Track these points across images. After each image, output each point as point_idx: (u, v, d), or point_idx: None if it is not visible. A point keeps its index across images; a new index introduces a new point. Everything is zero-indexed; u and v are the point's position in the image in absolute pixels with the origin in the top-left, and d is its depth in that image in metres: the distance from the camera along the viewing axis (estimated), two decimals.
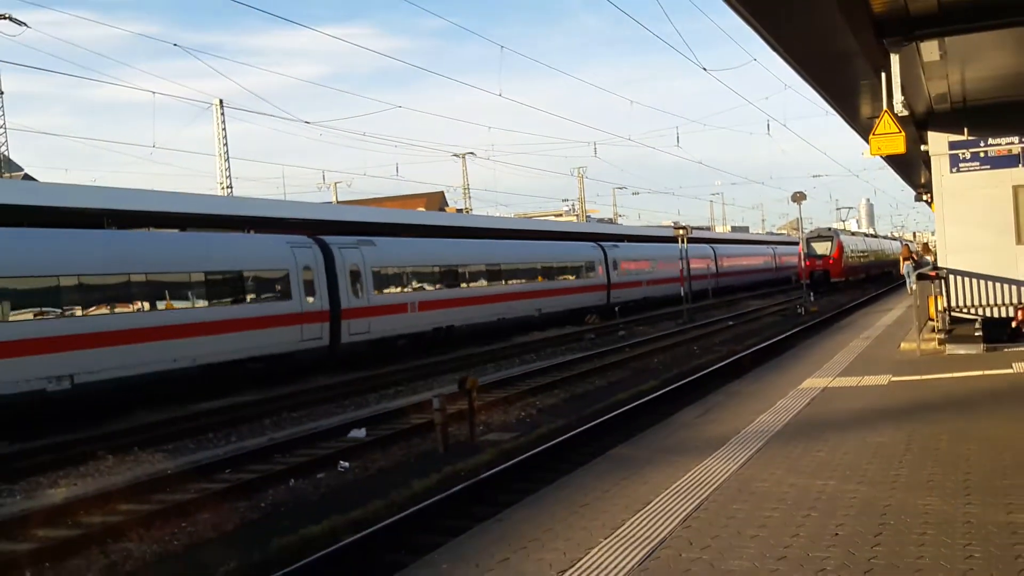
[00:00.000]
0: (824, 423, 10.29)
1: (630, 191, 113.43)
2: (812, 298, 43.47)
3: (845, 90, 17.96)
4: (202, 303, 21.76)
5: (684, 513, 6.94)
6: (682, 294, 42.37)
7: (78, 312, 18.84)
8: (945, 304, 17.10)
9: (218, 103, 44.07)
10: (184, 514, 10.86)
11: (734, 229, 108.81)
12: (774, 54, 14.47)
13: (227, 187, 43.67)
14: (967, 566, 5.31)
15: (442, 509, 10.30)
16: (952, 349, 15.86)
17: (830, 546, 5.89)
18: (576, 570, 5.81)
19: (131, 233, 22.75)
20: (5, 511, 11.63)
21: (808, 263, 51.58)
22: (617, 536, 6.49)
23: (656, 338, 31.54)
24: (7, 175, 36.68)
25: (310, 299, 24.79)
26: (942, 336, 16.54)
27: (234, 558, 9.01)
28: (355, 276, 26.55)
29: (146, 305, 20.41)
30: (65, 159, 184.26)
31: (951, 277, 17.39)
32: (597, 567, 5.83)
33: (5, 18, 36.48)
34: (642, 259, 47.21)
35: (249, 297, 23.33)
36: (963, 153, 18.49)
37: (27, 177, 37.79)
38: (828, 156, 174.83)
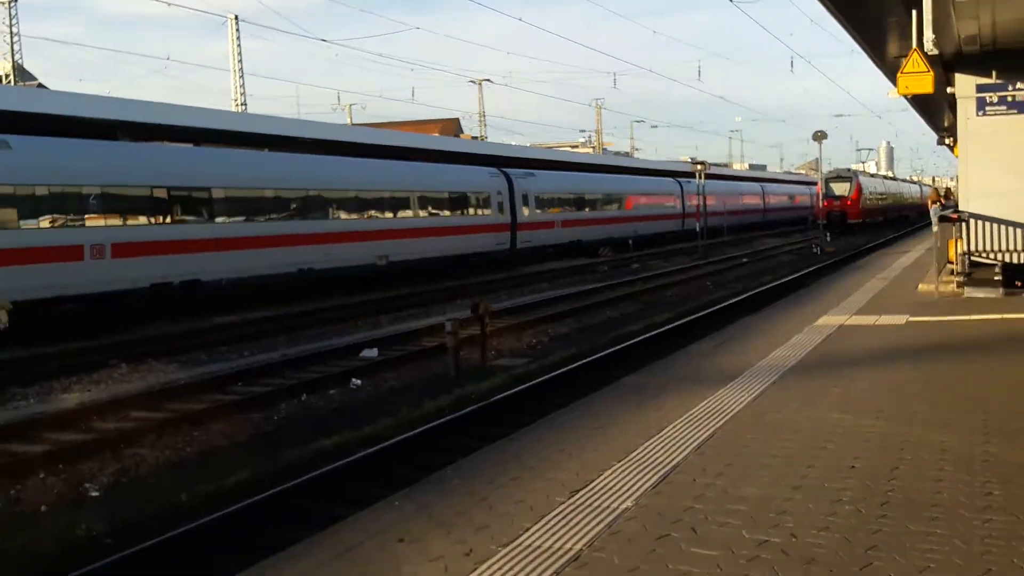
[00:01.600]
0: (840, 359, 10.23)
1: (648, 124, 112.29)
2: (828, 238, 43.19)
3: (873, 26, 17.52)
4: (447, 212, 31.07)
5: (698, 441, 6.91)
6: (697, 229, 42.21)
7: (389, 215, 28.28)
8: (965, 248, 16.90)
9: (233, 19, 43.37)
10: (197, 423, 10.92)
11: (752, 167, 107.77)
12: None
13: (241, 104, 43.19)
14: (986, 502, 5.27)
15: (453, 429, 10.32)
16: (971, 292, 15.73)
17: (846, 478, 5.85)
18: (589, 490, 5.80)
19: (412, 164, 31.51)
20: (18, 414, 11.73)
21: (826, 203, 51.10)
22: (630, 460, 6.47)
23: (670, 272, 31.44)
24: (21, 84, 36.33)
25: (501, 214, 33.65)
26: (960, 279, 16.39)
27: (246, 467, 9.06)
28: (524, 199, 35.09)
29: (422, 212, 29.75)
30: (79, 70, 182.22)
31: (972, 221, 17.16)
32: (610, 488, 5.82)
33: None
34: (709, 193, 51.36)
35: (471, 211, 32.36)
36: (990, 97, 18.13)
37: (40, 86, 37.44)
38: (851, 95, 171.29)
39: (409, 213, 29.08)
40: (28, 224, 17.66)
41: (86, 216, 18.75)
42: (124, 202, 19.68)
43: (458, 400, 11.87)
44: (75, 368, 14.41)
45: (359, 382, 13.44)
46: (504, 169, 35.07)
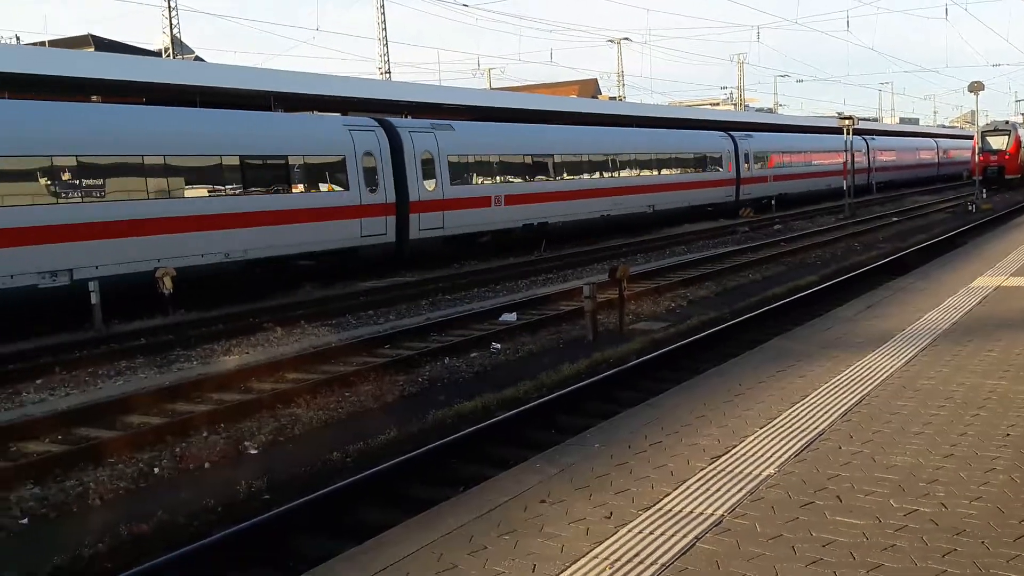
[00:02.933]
0: (997, 323, 9.80)
1: (793, 79, 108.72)
2: (985, 195, 41.06)
3: None
4: (694, 170, 36.58)
5: (844, 407, 6.79)
6: (844, 187, 40.87)
7: (655, 173, 34.08)
8: None
9: None
10: (347, 384, 11.36)
11: (902, 121, 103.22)
12: None
13: (386, 72, 44.07)
14: None
15: (592, 393, 10.41)
16: None
17: (1001, 446, 5.67)
18: (731, 456, 5.80)
19: (669, 131, 38.05)
20: (183, 375, 12.47)
21: (982, 158, 48.58)
22: (773, 426, 6.42)
23: (814, 233, 30.59)
24: (180, 57, 38.04)
25: (729, 171, 39.11)
26: None
27: (394, 427, 9.41)
28: (746, 157, 40.52)
29: (676, 171, 35.40)
30: (232, 42, 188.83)
31: None
32: (752, 455, 5.80)
33: None
34: (886, 149, 60.36)
35: (709, 168, 37.82)
36: None
37: (198, 59, 39.13)
38: (1010, 43, 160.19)
39: (668, 171, 35.18)
40: (468, 183, 25.65)
41: (492, 177, 26.63)
42: (510, 167, 27.60)
43: (596, 364, 11.96)
44: (234, 332, 15.18)
45: (499, 346, 13.68)
46: (729, 132, 40.92)
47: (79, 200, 16.66)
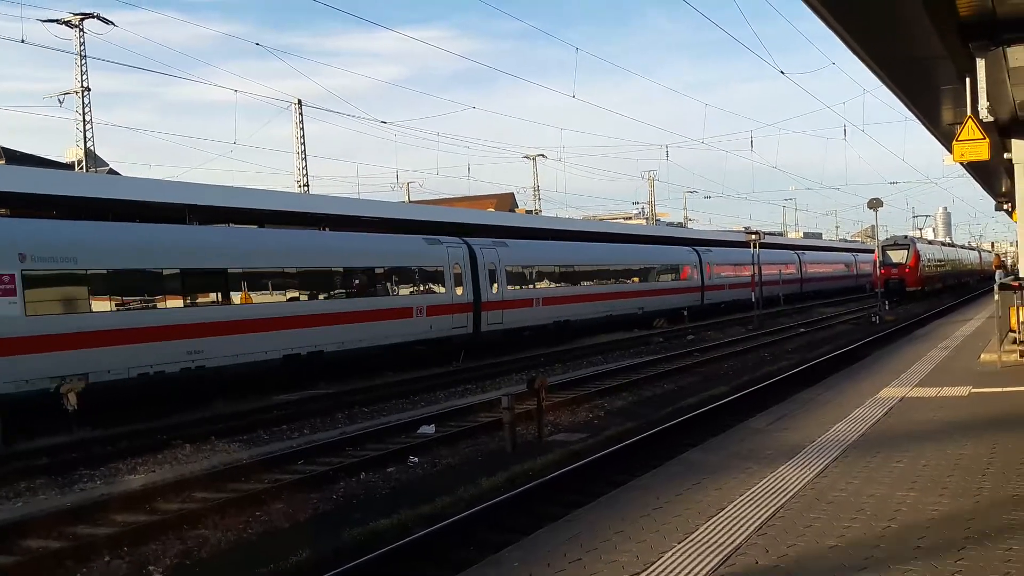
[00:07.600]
0: (903, 434, 10.08)
1: (701, 195, 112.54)
2: (887, 307, 42.57)
3: (927, 95, 17.56)
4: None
5: (759, 520, 6.85)
6: (753, 299, 41.96)
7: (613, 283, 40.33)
8: None
9: (297, 103, 44.73)
10: (258, 503, 11.04)
11: (806, 235, 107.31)
12: (854, 57, 14.21)
13: (304, 185, 44.29)
14: None
15: (511, 508, 10.29)
16: None
17: (912, 559, 5.76)
18: (649, 574, 5.78)
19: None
20: (86, 496, 11.96)
21: (883, 271, 50.52)
22: (691, 541, 6.44)
23: (725, 343, 31.20)
24: (93, 170, 37.66)
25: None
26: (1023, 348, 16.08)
27: (307, 547, 9.14)
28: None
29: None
30: (148, 155, 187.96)
31: None
32: (671, 571, 5.79)
33: (93, 17, 37.55)
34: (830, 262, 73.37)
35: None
36: None
37: (111, 172, 38.79)
38: (906, 162, 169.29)
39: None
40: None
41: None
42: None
43: (515, 477, 11.85)
44: (141, 449, 14.69)
45: (416, 459, 13.50)
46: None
47: None
